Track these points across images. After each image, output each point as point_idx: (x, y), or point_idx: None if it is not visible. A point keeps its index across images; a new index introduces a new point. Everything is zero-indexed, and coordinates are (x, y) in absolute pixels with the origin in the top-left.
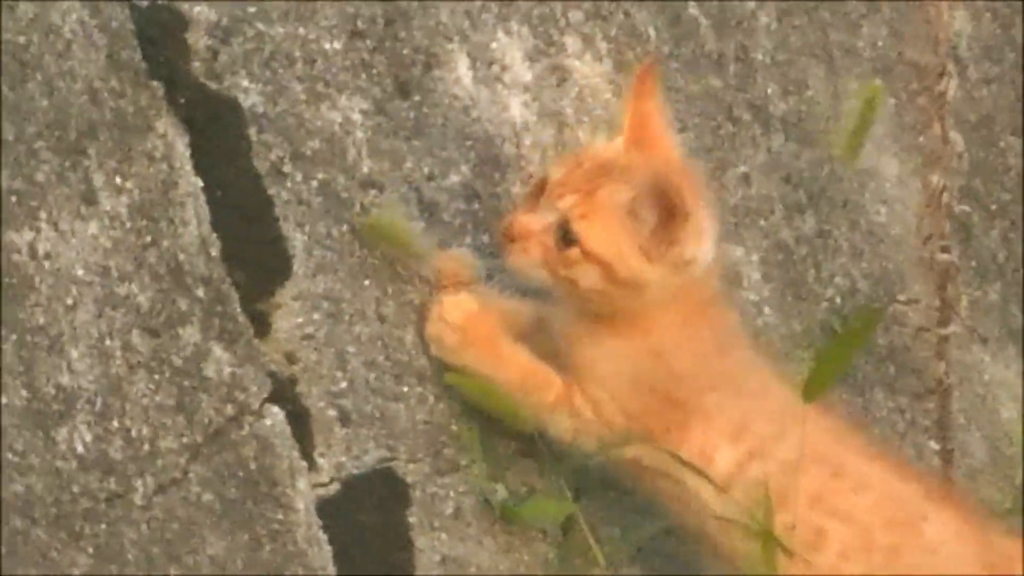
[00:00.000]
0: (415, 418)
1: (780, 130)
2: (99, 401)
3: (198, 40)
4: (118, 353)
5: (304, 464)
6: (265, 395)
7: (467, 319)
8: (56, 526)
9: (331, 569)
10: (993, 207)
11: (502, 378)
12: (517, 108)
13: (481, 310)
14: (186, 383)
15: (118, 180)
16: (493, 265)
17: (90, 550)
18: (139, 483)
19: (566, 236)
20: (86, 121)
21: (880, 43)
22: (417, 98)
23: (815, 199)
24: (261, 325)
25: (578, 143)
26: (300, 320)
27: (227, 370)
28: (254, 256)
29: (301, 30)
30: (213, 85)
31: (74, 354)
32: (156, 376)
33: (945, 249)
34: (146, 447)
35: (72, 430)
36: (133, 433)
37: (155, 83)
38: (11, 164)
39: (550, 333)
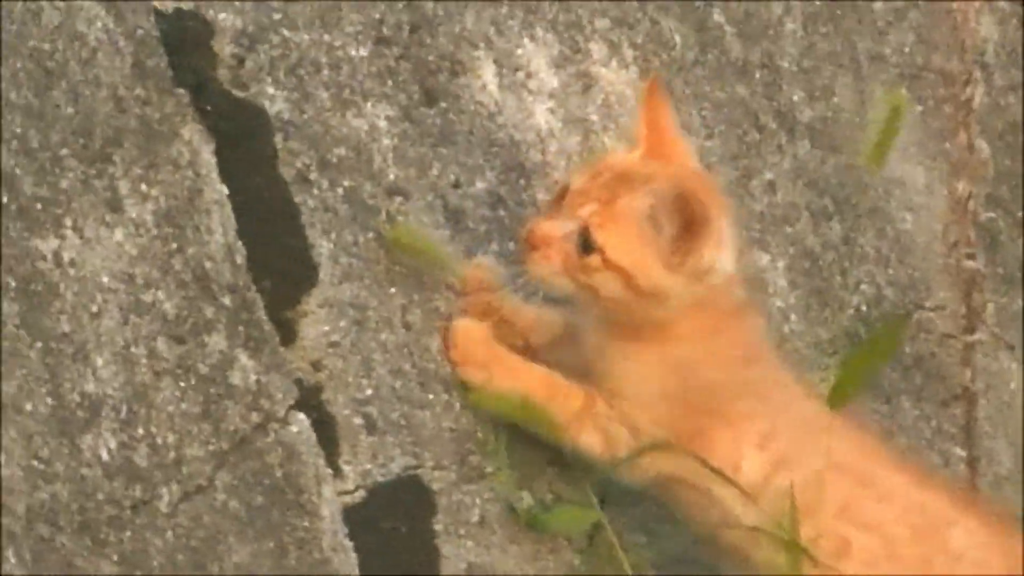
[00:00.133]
0: (441, 425)
1: (806, 137)
2: (124, 408)
3: (224, 47)
4: (143, 360)
5: (330, 471)
6: (291, 403)
7: (476, 345)
8: (81, 533)
9: None
10: (1019, 214)
11: (527, 393)
12: (543, 115)
13: (488, 336)
14: (212, 391)
15: (143, 187)
16: (519, 273)
17: (115, 557)
18: (164, 490)
19: (586, 244)
20: (111, 128)
21: (906, 50)
22: (443, 105)
23: (841, 206)
24: (287, 333)
25: (604, 150)
26: (326, 328)
27: (253, 377)
28: (280, 264)
29: (327, 37)
30: (239, 92)
31: (99, 361)
32: (182, 383)
33: (971, 256)
34: (172, 454)
35: (97, 437)
36: (159, 440)
37: (181, 90)
38: (36, 171)
39: (577, 341)
